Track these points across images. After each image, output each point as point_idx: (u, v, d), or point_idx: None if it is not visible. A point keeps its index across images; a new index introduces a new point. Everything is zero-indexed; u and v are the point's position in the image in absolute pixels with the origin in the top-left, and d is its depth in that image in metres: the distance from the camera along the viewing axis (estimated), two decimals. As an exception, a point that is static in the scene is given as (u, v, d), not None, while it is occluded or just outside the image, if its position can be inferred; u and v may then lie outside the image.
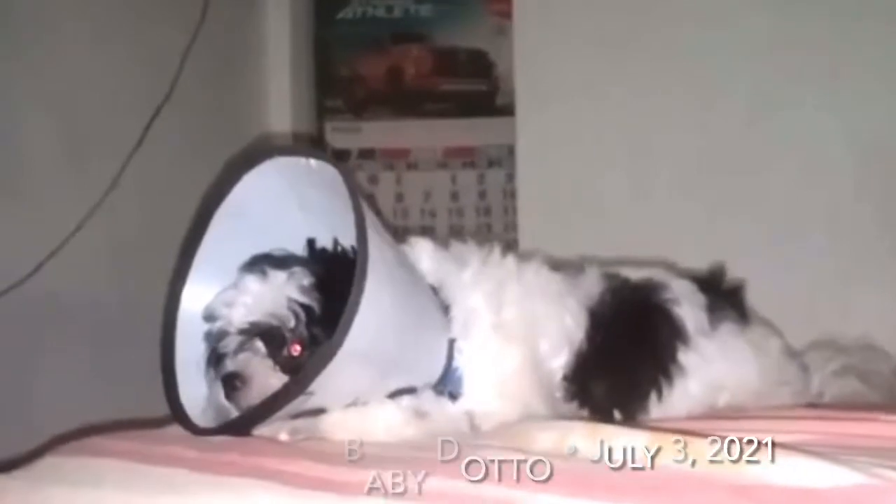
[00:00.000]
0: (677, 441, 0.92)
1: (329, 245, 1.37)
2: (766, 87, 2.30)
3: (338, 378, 1.17)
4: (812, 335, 1.74)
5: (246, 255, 1.39)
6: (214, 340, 1.33)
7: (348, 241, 1.36)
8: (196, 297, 1.38)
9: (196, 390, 1.36)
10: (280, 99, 2.78)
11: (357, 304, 1.13)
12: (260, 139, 2.62)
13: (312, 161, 1.29)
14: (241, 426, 1.22)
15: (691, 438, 0.93)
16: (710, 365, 1.49)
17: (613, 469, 0.92)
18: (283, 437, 1.22)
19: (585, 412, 1.42)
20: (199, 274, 1.38)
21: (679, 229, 2.34)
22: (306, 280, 1.30)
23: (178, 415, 1.29)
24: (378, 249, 1.18)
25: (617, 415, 1.42)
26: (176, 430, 1.26)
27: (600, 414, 1.41)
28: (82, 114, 2.02)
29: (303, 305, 1.28)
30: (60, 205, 1.95)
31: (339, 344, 1.13)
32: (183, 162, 2.26)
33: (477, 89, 2.97)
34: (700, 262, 1.70)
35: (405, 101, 2.94)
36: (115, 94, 2.09)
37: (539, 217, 2.58)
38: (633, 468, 0.92)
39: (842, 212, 2.22)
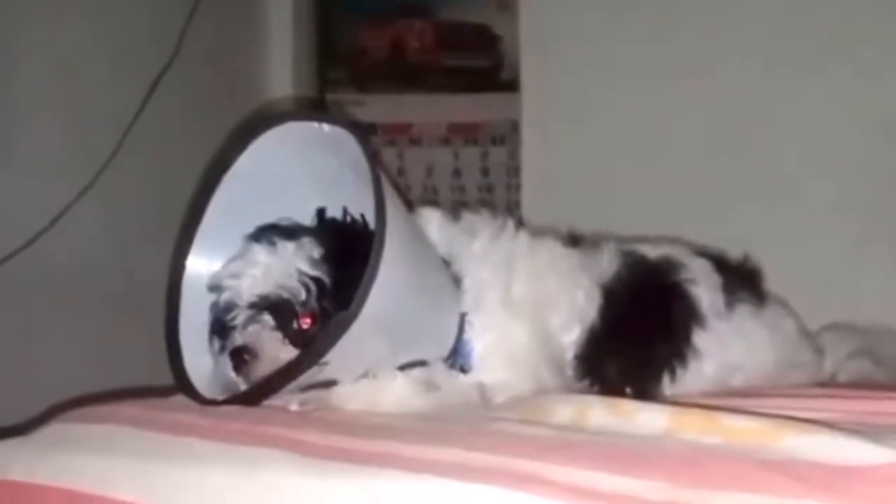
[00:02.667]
0: (702, 416, 0.90)
1: (338, 215, 1.35)
2: (775, 65, 2.26)
3: (352, 348, 1.15)
4: (822, 313, 1.72)
5: (251, 224, 1.36)
6: (222, 312, 1.30)
7: (358, 210, 1.34)
8: (200, 265, 1.36)
9: (200, 360, 1.33)
10: (282, 69, 2.73)
11: (375, 272, 1.11)
12: (264, 107, 2.57)
13: (326, 126, 1.26)
14: (252, 397, 1.20)
15: (716, 413, 0.90)
16: (725, 347, 1.47)
17: (637, 443, 0.89)
18: (294, 407, 1.20)
19: (596, 390, 1.40)
20: (204, 242, 1.36)
21: (686, 207, 2.30)
22: (316, 252, 1.27)
23: (183, 385, 1.27)
24: (394, 218, 1.16)
25: (629, 393, 1.39)
26: (182, 399, 1.24)
27: (611, 393, 1.38)
28: (82, 82, 1.98)
29: (313, 278, 1.25)
30: (59, 174, 1.92)
31: (357, 313, 1.11)
32: (184, 132, 2.22)
33: (481, 64, 2.91)
34: (707, 241, 1.67)
35: (408, 75, 2.89)
36: (116, 62, 2.05)
37: (543, 195, 2.55)
38: (658, 443, 0.89)
39: (852, 189, 2.19)
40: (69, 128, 1.95)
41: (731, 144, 2.31)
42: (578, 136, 2.47)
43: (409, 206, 1.31)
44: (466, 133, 2.83)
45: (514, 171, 2.76)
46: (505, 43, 2.83)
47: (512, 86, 2.72)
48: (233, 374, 1.26)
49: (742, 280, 1.56)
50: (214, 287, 1.32)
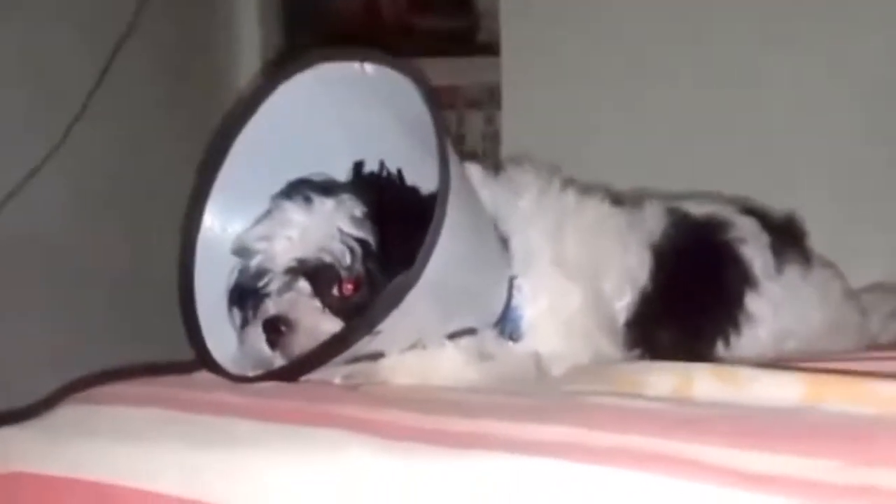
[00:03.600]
0: (847, 382, 0.79)
1: (375, 169, 1.21)
2: (764, 25, 2.17)
3: (405, 316, 1.02)
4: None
5: (272, 179, 1.22)
6: (251, 279, 1.16)
7: (394, 164, 1.21)
8: (215, 224, 1.21)
9: (219, 333, 1.19)
10: (249, 33, 2.57)
11: (439, 231, 0.98)
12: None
13: (368, 66, 1.12)
14: (295, 371, 1.06)
15: (862, 379, 0.80)
16: (779, 310, 1.37)
17: (778, 416, 0.78)
18: (338, 382, 1.07)
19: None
20: (219, 200, 1.21)
21: (674, 175, 2.20)
22: (358, 210, 1.14)
23: (206, 360, 1.13)
24: (455, 174, 1.03)
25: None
26: (208, 376, 1.10)
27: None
28: (41, 49, 1.83)
29: (357, 239, 1.12)
30: (18, 145, 1.77)
31: (419, 275, 0.98)
32: (147, 100, 2.08)
33: (457, 26, 2.79)
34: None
35: (381, 38, 2.75)
36: (76, 27, 1.90)
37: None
38: (802, 415, 0.79)
39: (844, 151, 2.11)
40: (28, 98, 1.81)
41: (722, 107, 2.20)
42: (560, 101, 2.34)
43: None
44: (442, 97, 2.70)
45: (490, 136, 2.65)
46: (481, 4, 2.71)
47: (490, 49, 2.59)
48: (265, 348, 1.12)
49: (788, 239, 1.47)
50: (241, 250, 1.18)
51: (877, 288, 1.64)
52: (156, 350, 1.72)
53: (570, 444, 0.75)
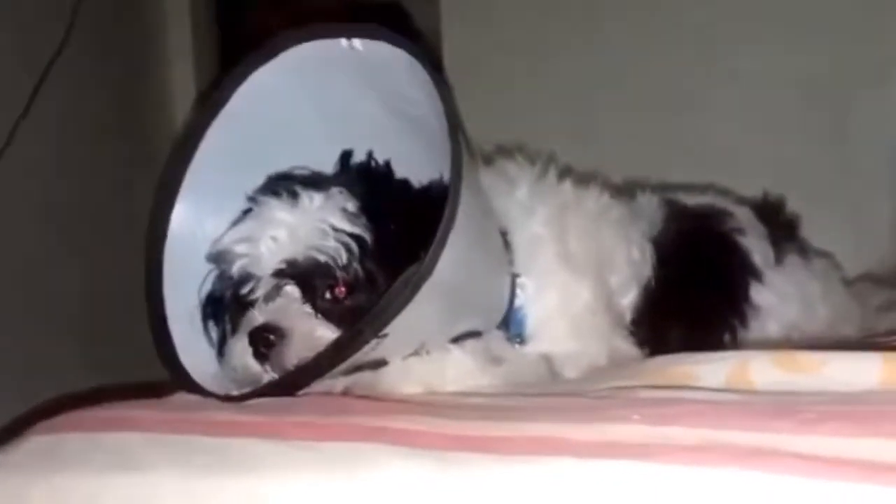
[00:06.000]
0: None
1: (364, 159, 1.11)
2: (710, 26, 2.13)
3: (414, 317, 0.91)
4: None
5: (245, 175, 1.10)
6: (233, 286, 1.03)
7: (383, 153, 1.11)
8: (184, 231, 1.09)
9: (194, 349, 1.07)
10: (181, 50, 2.44)
11: (450, 225, 0.88)
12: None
13: (357, 42, 1.01)
14: (292, 384, 0.94)
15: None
16: (784, 302, 1.30)
17: (864, 399, 0.70)
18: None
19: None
20: (191, 199, 1.09)
21: (619, 173, 2.14)
22: (350, 204, 1.03)
23: (183, 379, 1.00)
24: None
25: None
26: (191, 396, 0.97)
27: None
28: None
29: (353, 235, 1.00)
30: None
31: (430, 272, 0.87)
32: (78, 121, 1.91)
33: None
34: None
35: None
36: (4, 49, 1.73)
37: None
38: (887, 395, 0.70)
39: (788, 151, 2.07)
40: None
41: (668, 106, 2.14)
42: (505, 106, 2.26)
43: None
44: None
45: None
46: (418, 24, 2.64)
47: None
48: (253, 362, 0.99)
49: (783, 228, 1.41)
50: (218, 256, 1.05)
51: (865, 279, 1.59)
52: (110, 376, 1.58)
53: (648, 446, 0.65)
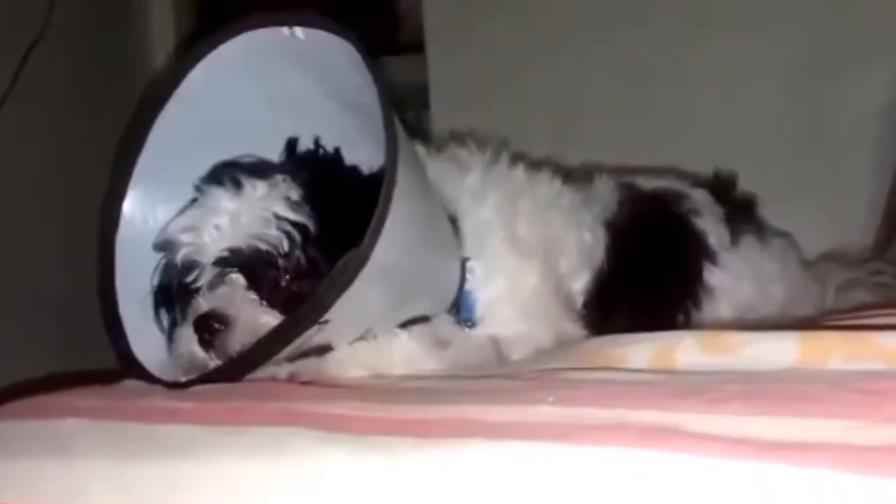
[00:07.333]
0: (847, 338, 0.72)
1: (311, 147, 1.12)
2: (685, 22, 2.13)
3: (354, 303, 0.93)
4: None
5: (197, 164, 1.11)
6: (178, 274, 1.05)
7: (332, 140, 1.12)
8: (136, 218, 1.10)
9: (147, 337, 1.08)
10: (164, 36, 2.45)
11: (388, 207, 0.89)
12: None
13: (298, 31, 1.02)
14: (234, 372, 0.95)
15: (863, 334, 0.73)
16: (738, 283, 1.31)
17: (781, 379, 0.71)
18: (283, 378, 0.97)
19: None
20: (140, 188, 1.10)
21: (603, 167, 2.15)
22: (294, 192, 1.04)
23: (134, 367, 1.01)
24: (402, 146, 0.94)
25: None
26: (138, 383, 0.98)
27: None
28: None
29: (295, 224, 1.02)
30: None
31: (368, 255, 0.88)
32: (59, 105, 1.95)
33: (377, 28, 2.72)
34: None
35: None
36: None
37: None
38: (805, 376, 0.71)
39: (770, 141, 2.08)
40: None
41: (648, 100, 2.15)
42: (488, 94, 2.27)
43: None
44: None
45: (420, 136, 2.57)
46: (402, 5, 2.64)
47: (412, 48, 2.53)
48: (198, 350, 1.01)
49: (741, 209, 1.42)
50: (165, 244, 1.06)
51: (829, 258, 1.60)
52: (82, 362, 1.60)
53: (559, 425, 0.66)
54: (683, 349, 0.83)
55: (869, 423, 0.61)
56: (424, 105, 2.48)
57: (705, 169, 1.58)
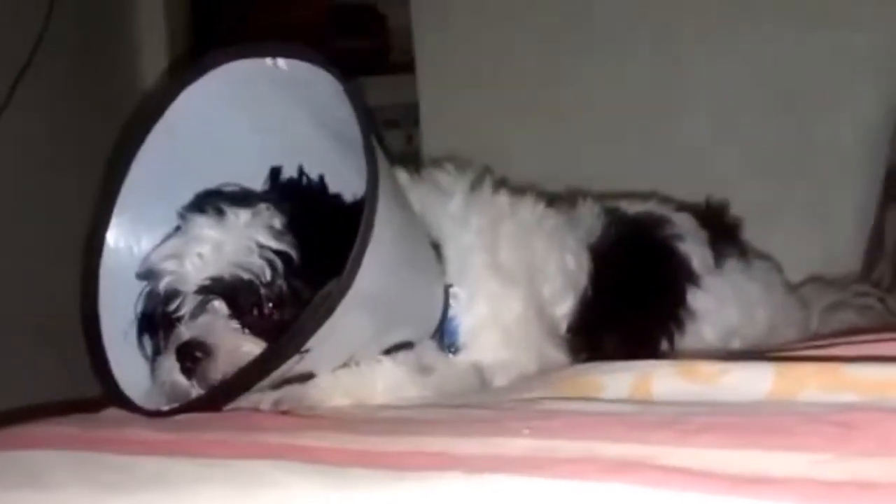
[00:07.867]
0: (818, 369, 0.73)
1: (295, 175, 1.12)
2: (672, 40, 2.14)
3: (336, 332, 0.93)
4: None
5: (182, 192, 1.12)
6: (160, 303, 1.05)
7: (316, 168, 1.13)
8: (121, 247, 1.10)
9: (131, 366, 1.08)
10: (156, 55, 2.46)
11: (368, 236, 0.90)
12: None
13: (281, 61, 1.03)
14: (215, 401, 0.96)
15: (832, 365, 0.74)
16: (722, 306, 1.32)
17: (754, 411, 0.72)
18: (265, 408, 0.97)
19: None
20: (124, 218, 1.10)
21: (597, 179, 2.15)
22: (277, 220, 1.04)
23: (117, 396, 1.02)
24: (383, 174, 0.94)
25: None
26: (119, 413, 0.98)
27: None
28: None
29: (278, 252, 1.02)
30: None
31: (349, 285, 0.89)
32: (52, 128, 1.95)
33: (368, 47, 2.79)
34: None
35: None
36: None
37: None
38: (780, 408, 0.72)
39: (757, 160, 2.09)
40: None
41: (636, 120, 2.17)
42: (479, 113, 2.28)
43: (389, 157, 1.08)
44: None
45: (411, 155, 2.60)
46: (393, 24, 2.66)
47: (403, 68, 2.54)
48: (181, 378, 1.01)
49: (724, 233, 1.43)
50: (147, 273, 1.07)
51: (815, 281, 1.61)
52: (67, 390, 1.60)
53: (533, 459, 0.67)
54: (659, 378, 0.84)
55: (837, 456, 0.61)
56: (415, 123, 2.50)
57: (693, 193, 1.61)
